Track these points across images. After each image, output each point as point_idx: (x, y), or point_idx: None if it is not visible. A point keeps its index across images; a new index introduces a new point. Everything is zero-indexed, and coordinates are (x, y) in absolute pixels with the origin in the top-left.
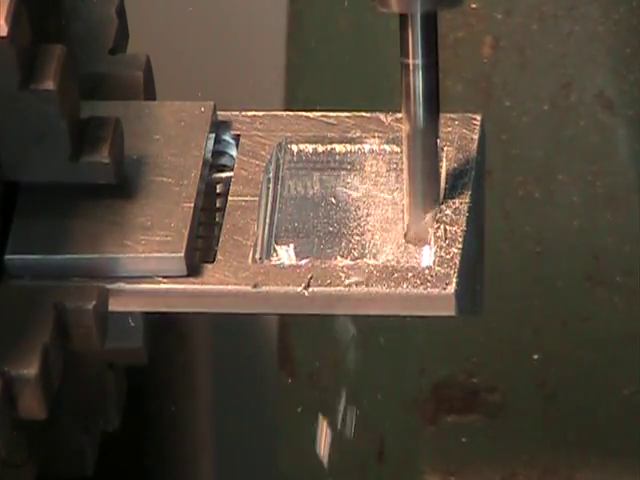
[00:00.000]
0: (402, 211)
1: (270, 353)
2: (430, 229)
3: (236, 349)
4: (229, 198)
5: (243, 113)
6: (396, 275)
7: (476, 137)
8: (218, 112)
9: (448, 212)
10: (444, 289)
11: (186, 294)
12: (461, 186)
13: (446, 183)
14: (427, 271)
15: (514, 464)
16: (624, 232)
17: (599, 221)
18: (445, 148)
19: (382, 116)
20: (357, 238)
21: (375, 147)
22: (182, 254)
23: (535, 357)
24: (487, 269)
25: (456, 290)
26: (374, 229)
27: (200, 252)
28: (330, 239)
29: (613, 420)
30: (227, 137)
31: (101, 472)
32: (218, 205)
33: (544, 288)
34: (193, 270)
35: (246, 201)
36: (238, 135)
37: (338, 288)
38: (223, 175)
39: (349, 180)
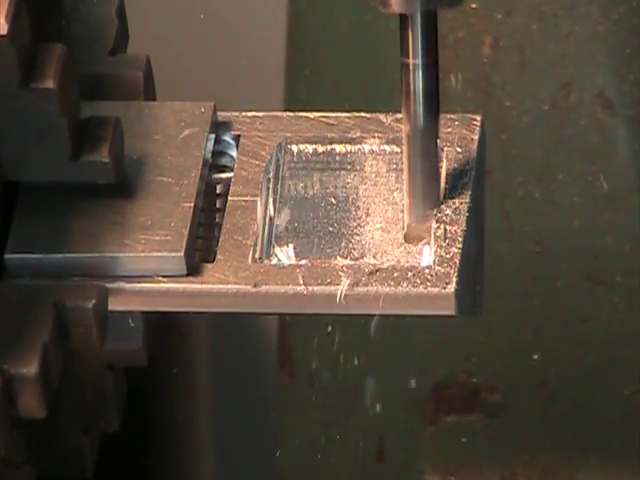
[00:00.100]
0: (402, 211)
1: (270, 353)
2: (430, 229)
3: (236, 349)
4: (229, 198)
5: (243, 113)
6: (396, 275)
7: (476, 137)
8: (218, 112)
9: (448, 212)
10: (444, 289)
11: (186, 294)
12: (461, 186)
13: (446, 183)
14: (427, 271)
15: (514, 464)
16: (624, 232)
17: (599, 221)
18: (445, 148)
19: (382, 116)
20: (357, 238)
21: (375, 147)
22: (182, 253)
23: (535, 357)
24: (487, 269)
25: (456, 290)
26: (374, 229)
27: (200, 252)
28: (330, 239)
29: (613, 420)
30: (227, 137)
31: (101, 473)
32: (218, 206)
33: (544, 288)
34: (193, 270)
35: (246, 201)
36: (238, 135)
37: (338, 288)
38: (223, 176)
39: (349, 180)
